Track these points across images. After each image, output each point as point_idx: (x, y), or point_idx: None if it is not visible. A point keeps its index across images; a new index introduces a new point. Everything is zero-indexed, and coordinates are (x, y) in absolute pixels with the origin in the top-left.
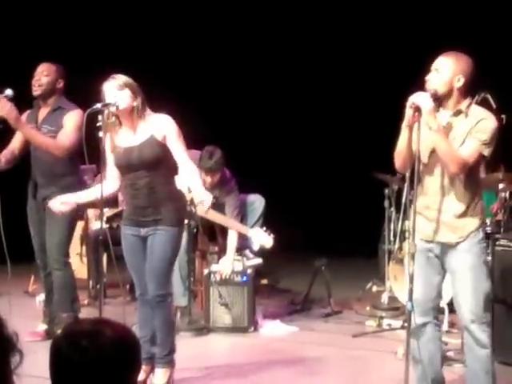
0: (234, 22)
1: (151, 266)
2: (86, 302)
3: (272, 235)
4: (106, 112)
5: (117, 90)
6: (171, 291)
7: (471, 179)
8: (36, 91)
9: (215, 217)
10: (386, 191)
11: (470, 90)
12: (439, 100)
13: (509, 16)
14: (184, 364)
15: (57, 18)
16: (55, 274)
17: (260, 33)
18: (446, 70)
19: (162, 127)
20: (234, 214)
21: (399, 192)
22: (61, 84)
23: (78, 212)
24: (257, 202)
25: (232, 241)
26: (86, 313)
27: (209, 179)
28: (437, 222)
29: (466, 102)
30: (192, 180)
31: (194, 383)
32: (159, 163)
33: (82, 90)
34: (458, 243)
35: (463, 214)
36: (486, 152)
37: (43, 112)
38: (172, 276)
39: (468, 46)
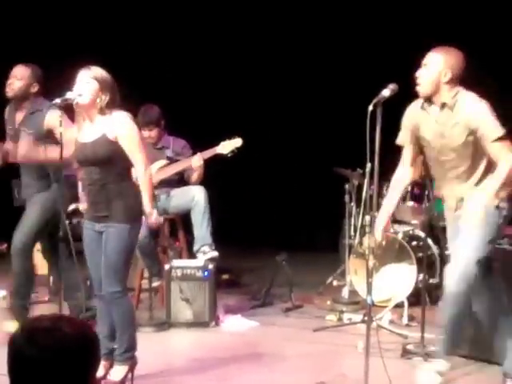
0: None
1: (104, 263)
2: (46, 298)
3: (237, 137)
4: (74, 102)
5: (85, 82)
6: (125, 288)
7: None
8: (8, 93)
9: (167, 171)
10: (347, 186)
11: (459, 83)
12: (429, 97)
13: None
14: (145, 359)
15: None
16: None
17: (234, 23)
18: (434, 66)
19: (115, 127)
20: (185, 155)
21: (359, 187)
22: (35, 88)
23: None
24: (197, 195)
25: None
26: (47, 309)
27: (147, 133)
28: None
29: (452, 93)
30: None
31: (154, 378)
32: (111, 161)
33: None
34: None
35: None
36: (503, 130)
37: (20, 115)
38: (128, 273)
39: (453, 42)
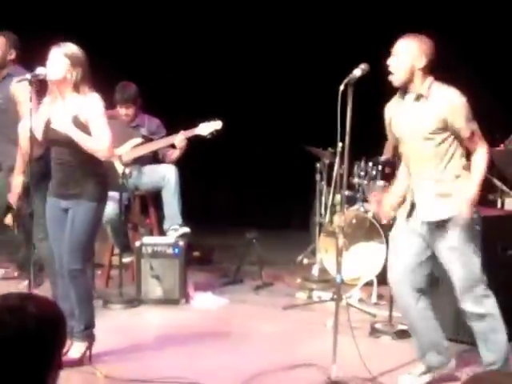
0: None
1: (68, 240)
2: (15, 274)
3: (217, 119)
4: (47, 78)
5: (56, 59)
6: (86, 266)
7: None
8: None
9: (142, 149)
10: (318, 165)
11: (432, 70)
12: (404, 85)
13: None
14: (114, 336)
15: None
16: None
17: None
18: (408, 52)
19: (86, 110)
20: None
21: (331, 166)
22: (12, 55)
23: None
24: (168, 174)
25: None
26: (16, 286)
27: (123, 111)
28: None
29: (427, 83)
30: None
31: (124, 355)
32: None
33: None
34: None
35: None
36: (475, 125)
37: None
38: (90, 252)
39: (425, 28)
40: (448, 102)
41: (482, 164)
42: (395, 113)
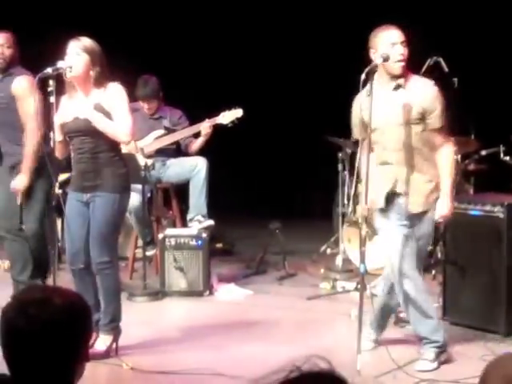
0: None
1: (93, 232)
2: None
3: (237, 107)
4: (67, 74)
5: (75, 54)
6: (115, 259)
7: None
8: (0, 64)
9: (164, 140)
10: (340, 155)
11: None
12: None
13: None
14: (139, 328)
15: None
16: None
17: None
18: (408, 43)
19: (108, 97)
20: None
21: (353, 155)
22: (17, 52)
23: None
24: (200, 165)
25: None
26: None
27: (146, 105)
28: None
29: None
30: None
31: (149, 348)
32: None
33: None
34: None
35: None
36: (445, 121)
37: None
38: (116, 243)
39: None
40: (428, 91)
41: (451, 160)
42: (365, 107)
